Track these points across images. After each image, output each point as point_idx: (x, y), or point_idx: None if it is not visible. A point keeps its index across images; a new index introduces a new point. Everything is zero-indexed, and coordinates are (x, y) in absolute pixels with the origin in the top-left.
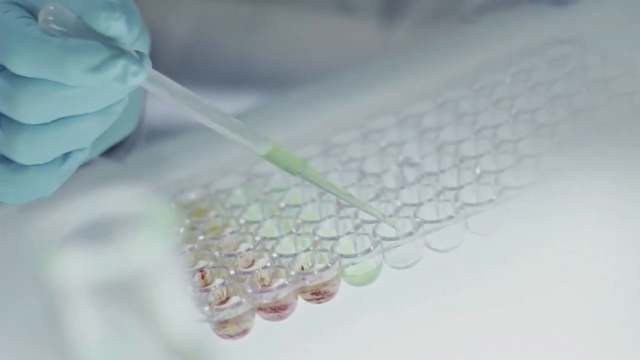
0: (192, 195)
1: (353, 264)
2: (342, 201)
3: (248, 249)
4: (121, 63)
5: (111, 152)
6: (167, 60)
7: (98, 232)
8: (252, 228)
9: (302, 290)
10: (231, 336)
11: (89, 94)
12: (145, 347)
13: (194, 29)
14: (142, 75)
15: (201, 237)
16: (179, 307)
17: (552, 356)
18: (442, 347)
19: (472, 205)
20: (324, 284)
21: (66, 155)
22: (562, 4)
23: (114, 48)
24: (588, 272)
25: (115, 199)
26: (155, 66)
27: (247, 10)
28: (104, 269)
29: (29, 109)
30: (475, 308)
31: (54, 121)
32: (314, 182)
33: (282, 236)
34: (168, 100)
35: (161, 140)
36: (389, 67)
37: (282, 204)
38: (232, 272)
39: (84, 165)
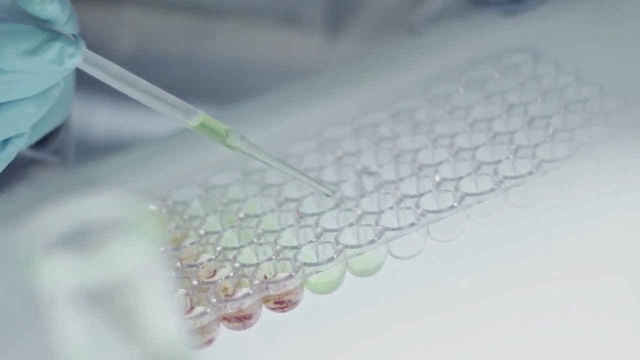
0: (152, 207)
1: (317, 272)
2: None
3: (209, 259)
4: (57, 45)
5: (44, 143)
6: None
7: (82, 239)
8: (213, 239)
9: (266, 300)
10: (196, 346)
11: (26, 78)
12: (128, 353)
13: (137, 41)
14: (79, 57)
15: (162, 249)
16: (161, 314)
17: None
18: (407, 353)
19: (433, 212)
20: (287, 293)
21: (5, 142)
22: (511, 14)
23: (49, 31)
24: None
25: (97, 205)
26: None
27: (190, 22)
28: (89, 275)
29: None
30: (440, 314)
31: None
32: (251, 155)
33: (243, 246)
34: (106, 81)
35: (112, 153)
36: (339, 78)
37: (242, 214)
38: (194, 282)
39: (27, 160)
